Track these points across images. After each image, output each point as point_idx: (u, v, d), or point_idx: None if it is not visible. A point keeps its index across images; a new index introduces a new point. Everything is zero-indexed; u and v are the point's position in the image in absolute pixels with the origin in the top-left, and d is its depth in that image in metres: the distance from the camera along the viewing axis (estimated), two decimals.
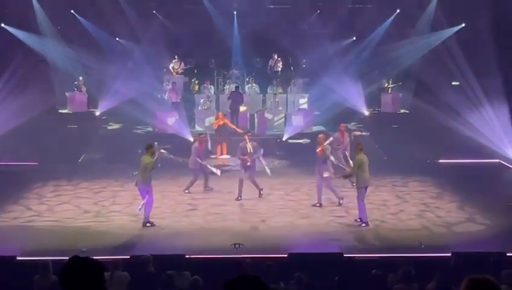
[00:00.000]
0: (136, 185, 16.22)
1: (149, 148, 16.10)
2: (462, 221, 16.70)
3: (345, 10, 28.78)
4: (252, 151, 18.45)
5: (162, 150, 18.19)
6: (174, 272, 11.27)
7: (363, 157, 16.16)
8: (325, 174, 17.31)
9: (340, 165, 18.74)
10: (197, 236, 15.25)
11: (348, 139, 19.78)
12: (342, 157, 19.35)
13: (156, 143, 17.40)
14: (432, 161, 23.37)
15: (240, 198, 18.46)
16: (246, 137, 18.86)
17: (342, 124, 20.21)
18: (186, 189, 19.00)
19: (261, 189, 18.70)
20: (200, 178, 19.07)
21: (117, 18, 28.45)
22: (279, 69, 29.01)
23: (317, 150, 17.54)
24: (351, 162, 18.37)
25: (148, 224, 15.95)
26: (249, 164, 18.48)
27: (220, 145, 23.21)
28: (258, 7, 28.87)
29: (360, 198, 16.12)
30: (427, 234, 15.57)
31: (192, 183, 19.03)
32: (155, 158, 16.40)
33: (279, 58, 28.96)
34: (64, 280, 4.37)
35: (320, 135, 18.29)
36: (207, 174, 19.24)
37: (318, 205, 17.60)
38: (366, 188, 16.23)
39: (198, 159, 18.84)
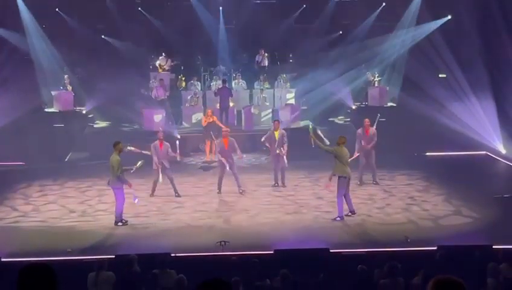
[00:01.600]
0: (108, 184, 16.20)
1: (115, 146, 15.94)
2: (449, 214, 16.70)
3: (331, 5, 28.76)
4: (279, 139, 19.04)
5: (129, 147, 17.79)
6: (159, 270, 11.24)
7: (343, 149, 16.13)
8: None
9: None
10: (183, 234, 15.19)
11: (372, 134, 19.60)
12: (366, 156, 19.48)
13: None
14: (419, 154, 23.42)
15: (276, 184, 19.31)
16: (273, 124, 19.59)
17: (366, 119, 19.93)
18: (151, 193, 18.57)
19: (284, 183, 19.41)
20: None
21: (102, 16, 28.38)
22: (266, 65, 28.93)
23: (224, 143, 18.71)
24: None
25: (119, 223, 15.90)
26: (278, 152, 18.94)
27: (209, 143, 23.09)
28: (244, 3, 28.82)
29: (340, 191, 16.06)
30: (413, 227, 15.56)
31: (154, 185, 18.61)
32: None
33: (266, 54, 28.87)
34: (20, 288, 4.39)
35: (224, 129, 19.63)
36: (172, 178, 18.66)
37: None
38: (348, 180, 16.20)
39: (156, 159, 18.17)
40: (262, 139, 19.71)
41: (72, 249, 13.90)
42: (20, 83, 24.34)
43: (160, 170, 18.16)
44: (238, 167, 22.10)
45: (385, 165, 21.28)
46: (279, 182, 19.42)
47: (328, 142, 17.45)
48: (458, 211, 16.96)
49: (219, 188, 18.81)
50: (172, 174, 18.57)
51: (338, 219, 16.04)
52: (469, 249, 12.72)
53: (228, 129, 19.68)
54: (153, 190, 18.54)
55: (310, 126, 17.04)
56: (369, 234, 15.19)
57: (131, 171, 16.46)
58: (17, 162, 22.39)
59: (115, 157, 15.74)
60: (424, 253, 12.88)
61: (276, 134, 19.24)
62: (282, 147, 19.10)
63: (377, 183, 19.57)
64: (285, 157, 19.06)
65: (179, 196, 18.53)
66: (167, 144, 18.72)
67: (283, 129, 19.95)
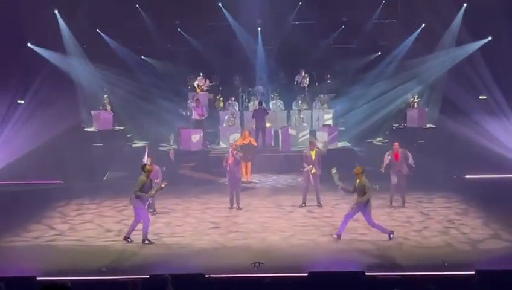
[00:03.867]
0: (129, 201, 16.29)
1: (142, 168, 16.20)
2: (487, 238, 16.39)
3: (370, 25, 28.69)
4: (315, 159, 19.23)
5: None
6: None
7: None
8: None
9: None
10: (218, 255, 15.14)
11: (403, 158, 19.34)
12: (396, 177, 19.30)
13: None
14: (458, 176, 23.13)
15: (303, 205, 19.41)
16: (309, 145, 19.71)
17: (396, 143, 19.71)
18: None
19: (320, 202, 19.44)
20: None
21: (142, 36, 28.69)
22: (306, 85, 28.82)
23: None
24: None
25: (146, 241, 15.90)
26: (313, 171, 19.11)
27: (245, 164, 23.04)
28: (282, 23, 28.90)
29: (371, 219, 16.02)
30: (451, 251, 15.30)
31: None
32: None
33: (306, 74, 28.77)
34: None
35: (234, 146, 20.20)
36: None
37: None
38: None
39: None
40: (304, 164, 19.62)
41: (107, 268, 13.96)
42: (60, 102, 24.59)
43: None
44: (275, 188, 22.26)
45: (423, 187, 21.14)
46: (316, 203, 19.40)
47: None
48: (497, 234, 16.64)
49: (231, 203, 19.39)
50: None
51: (392, 235, 16.09)
52: (508, 274, 12.44)
53: (234, 144, 20.48)
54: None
55: (334, 171, 16.89)
56: (406, 257, 14.94)
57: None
58: (56, 181, 22.62)
59: (140, 177, 15.93)
60: (461, 277, 12.67)
61: (313, 154, 19.24)
62: (320, 167, 19.17)
63: (404, 207, 19.34)
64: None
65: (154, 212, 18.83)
66: (157, 167, 18.55)
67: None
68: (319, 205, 19.35)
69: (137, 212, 15.97)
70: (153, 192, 16.28)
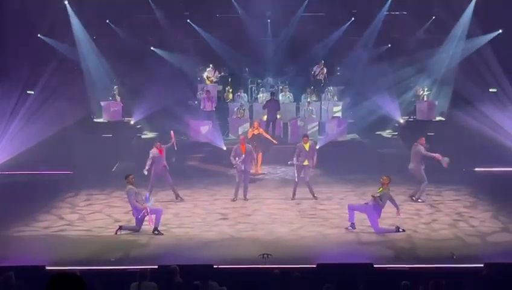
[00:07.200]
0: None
1: (126, 178, 16.64)
2: (496, 231, 16.37)
3: (380, 17, 28.55)
4: (309, 151, 19.23)
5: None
6: (201, 282, 11.21)
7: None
8: None
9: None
10: (226, 246, 15.16)
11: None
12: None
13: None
14: (468, 169, 23.02)
15: (293, 198, 19.34)
16: (303, 139, 19.61)
17: (422, 138, 19.76)
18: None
19: (314, 194, 19.33)
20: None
21: (151, 28, 28.65)
22: (322, 78, 28.57)
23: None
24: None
25: (156, 231, 15.95)
26: (306, 163, 19.13)
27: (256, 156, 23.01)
28: (292, 15, 28.80)
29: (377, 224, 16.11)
30: (460, 244, 15.28)
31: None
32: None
33: (325, 68, 28.52)
34: None
35: (242, 136, 20.63)
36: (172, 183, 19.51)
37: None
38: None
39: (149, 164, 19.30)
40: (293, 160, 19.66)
41: (116, 258, 14.00)
42: (70, 93, 24.67)
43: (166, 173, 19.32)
44: (283, 180, 22.21)
45: (432, 180, 21.01)
46: (310, 196, 19.39)
47: None
48: (506, 227, 16.63)
49: (236, 194, 19.38)
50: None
51: (400, 229, 16.14)
52: None
53: (243, 137, 20.58)
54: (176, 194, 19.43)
55: None
56: (415, 249, 14.96)
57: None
58: (65, 171, 22.67)
59: (126, 189, 16.30)
60: (470, 270, 12.68)
61: (306, 146, 19.26)
62: (312, 159, 19.22)
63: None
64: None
65: (181, 199, 19.32)
66: (163, 146, 19.57)
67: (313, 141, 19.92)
68: (315, 198, 19.30)
69: (141, 216, 16.12)
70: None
